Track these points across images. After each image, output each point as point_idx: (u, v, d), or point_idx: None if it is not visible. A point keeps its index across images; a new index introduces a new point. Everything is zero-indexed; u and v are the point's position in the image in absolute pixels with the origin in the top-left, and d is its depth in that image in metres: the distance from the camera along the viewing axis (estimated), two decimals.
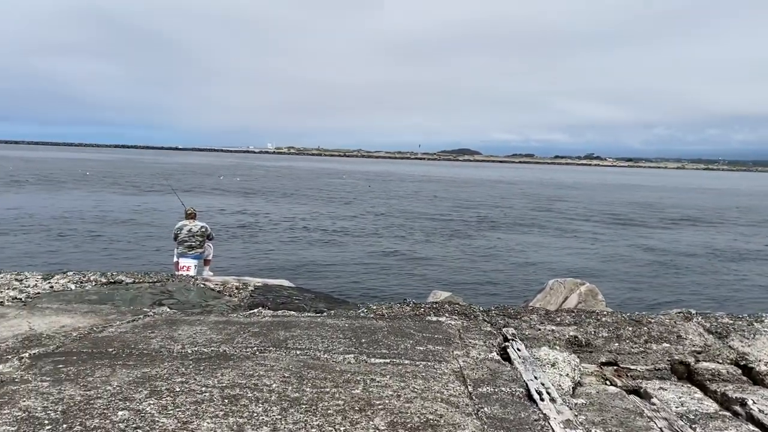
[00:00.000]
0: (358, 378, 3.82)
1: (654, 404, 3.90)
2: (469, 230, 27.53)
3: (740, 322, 5.65)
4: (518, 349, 4.60)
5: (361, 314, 5.51)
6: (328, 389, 3.60)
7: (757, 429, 3.58)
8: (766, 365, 4.71)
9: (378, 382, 3.77)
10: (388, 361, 4.20)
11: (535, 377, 4.02)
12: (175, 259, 10.76)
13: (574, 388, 4.18)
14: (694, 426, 3.60)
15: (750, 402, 3.90)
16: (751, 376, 4.65)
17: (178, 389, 3.49)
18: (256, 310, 5.58)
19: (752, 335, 5.28)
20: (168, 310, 5.61)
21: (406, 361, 4.21)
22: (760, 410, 3.76)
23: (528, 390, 3.81)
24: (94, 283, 6.71)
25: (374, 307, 5.74)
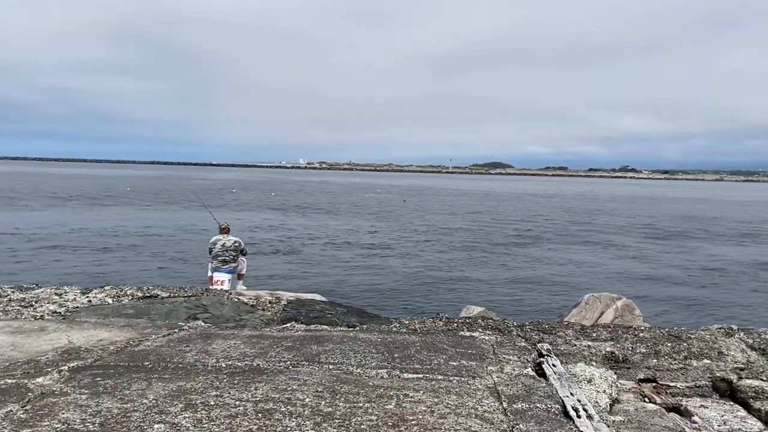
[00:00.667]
0: (391, 393, 3.80)
1: (695, 422, 3.79)
2: (504, 244, 27.33)
3: None
4: (553, 365, 4.52)
5: (394, 329, 5.50)
6: (361, 404, 3.59)
7: None
8: None
9: (411, 397, 3.75)
10: (421, 376, 4.17)
11: (571, 393, 3.94)
12: (210, 274, 10.90)
13: (611, 405, 4.10)
14: None
15: None
16: None
17: (212, 403, 3.51)
18: (289, 325, 5.61)
19: None
20: (203, 324, 5.68)
21: (440, 377, 4.17)
22: None
23: (564, 407, 3.74)
24: (130, 297, 6.83)
25: (407, 322, 5.73)
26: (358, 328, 5.53)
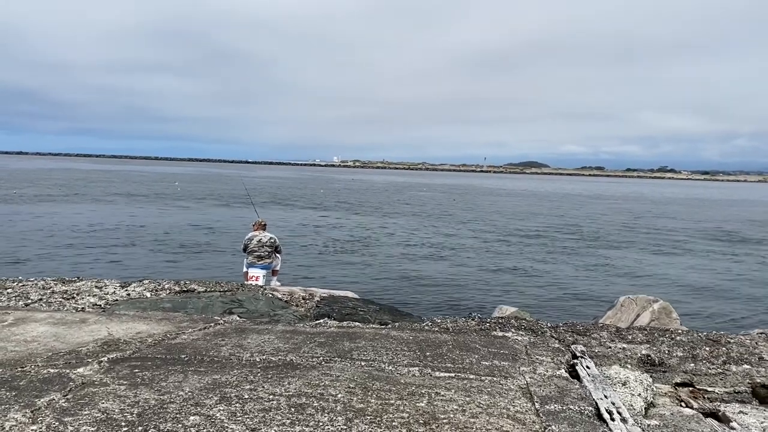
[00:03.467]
0: (423, 391, 3.81)
1: (733, 428, 3.70)
2: (544, 244, 27.06)
3: None
4: (587, 367, 4.47)
5: (426, 327, 5.50)
6: (392, 401, 3.61)
7: None
8: None
9: (443, 396, 3.75)
10: (452, 375, 4.17)
11: (605, 396, 3.89)
12: (245, 269, 11.05)
13: (646, 409, 4.03)
14: None
15: None
16: None
17: (246, 396, 3.57)
18: (322, 321, 5.66)
19: None
20: (238, 318, 5.77)
21: (471, 376, 4.16)
22: None
23: (598, 409, 3.69)
24: (167, 291, 6.98)
25: (439, 321, 5.72)
26: (390, 325, 5.55)
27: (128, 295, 6.76)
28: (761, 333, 5.91)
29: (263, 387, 3.75)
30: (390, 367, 4.26)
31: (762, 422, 4.03)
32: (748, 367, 4.81)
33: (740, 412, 4.21)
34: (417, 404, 3.58)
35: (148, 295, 6.79)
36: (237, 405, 3.43)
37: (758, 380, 4.65)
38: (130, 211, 35.73)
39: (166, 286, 7.16)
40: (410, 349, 4.72)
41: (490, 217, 41.38)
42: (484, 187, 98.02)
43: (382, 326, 5.52)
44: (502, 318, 6.18)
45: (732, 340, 5.29)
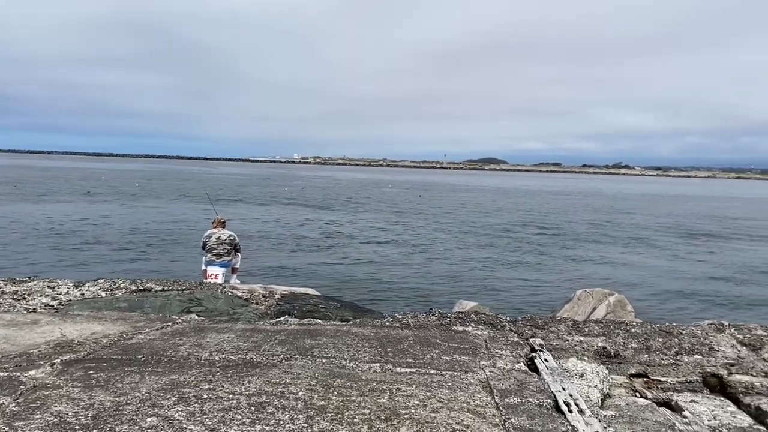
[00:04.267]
0: (384, 387, 3.81)
1: (685, 417, 3.82)
2: (504, 239, 27.39)
3: None
4: (546, 360, 4.55)
5: (387, 323, 5.51)
6: (354, 398, 3.60)
7: None
8: None
9: (404, 391, 3.76)
10: (414, 370, 4.19)
11: (563, 388, 3.97)
12: (204, 267, 10.88)
13: (603, 400, 4.12)
14: None
15: None
16: None
17: (205, 396, 3.52)
18: (282, 318, 5.62)
19: None
20: (196, 317, 5.68)
21: (432, 371, 4.19)
22: None
23: (556, 401, 3.76)
24: (124, 291, 6.82)
25: (400, 317, 5.74)
26: (351, 322, 5.54)
27: (82, 295, 6.58)
28: (711, 324, 6.10)
29: (223, 386, 3.70)
30: (351, 364, 4.25)
31: (712, 410, 4.16)
32: (699, 357, 4.97)
33: (692, 401, 4.35)
34: (378, 400, 3.59)
35: (104, 294, 6.63)
36: (196, 405, 3.37)
37: (708, 370, 4.80)
38: (88, 210, 34.84)
39: (122, 286, 7.00)
40: (371, 346, 4.72)
41: (455, 212, 41.72)
42: (447, 184, 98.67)
43: (344, 323, 5.51)
44: (462, 313, 6.23)
45: (684, 332, 5.45)
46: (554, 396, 3.83)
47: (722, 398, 4.48)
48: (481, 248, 24.19)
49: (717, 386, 4.70)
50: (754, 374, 4.74)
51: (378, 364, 4.28)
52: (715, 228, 36.61)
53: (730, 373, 4.75)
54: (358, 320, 5.58)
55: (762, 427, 3.86)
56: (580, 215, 43.55)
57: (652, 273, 19.97)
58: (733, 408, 4.26)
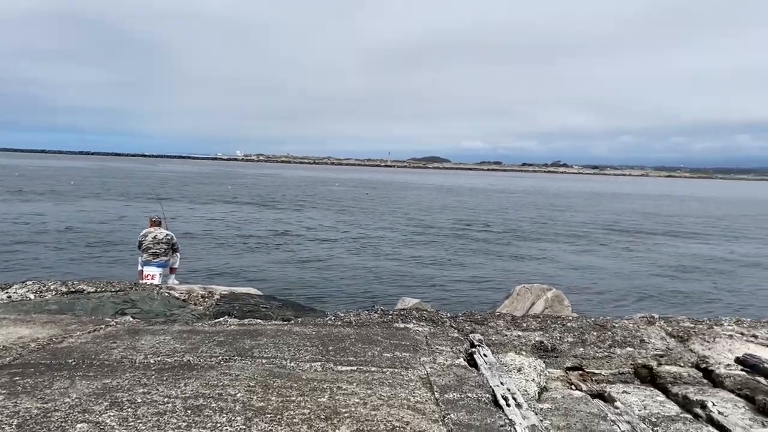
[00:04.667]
0: (325, 386, 3.79)
1: (617, 408, 3.95)
2: (448, 236, 27.68)
3: (701, 326, 5.77)
4: (485, 355, 4.62)
5: (329, 322, 5.48)
6: (293, 398, 3.57)
7: (715, 430, 3.64)
8: (725, 368, 4.82)
9: (344, 390, 3.75)
10: (355, 368, 4.18)
11: (502, 383, 4.04)
12: (140, 268, 10.56)
13: (540, 393, 4.22)
14: (656, 429, 3.65)
15: (710, 404, 3.98)
16: (711, 378, 4.74)
17: (139, 400, 3.41)
18: (221, 319, 5.51)
19: (712, 339, 5.40)
20: (131, 319, 5.51)
21: (373, 369, 4.19)
22: (719, 412, 3.84)
23: (494, 396, 3.82)
24: (54, 293, 6.55)
25: (342, 315, 5.72)
26: (293, 321, 5.49)
27: (9, 297, 6.29)
28: (643, 317, 6.33)
29: (158, 390, 3.60)
30: (292, 364, 4.21)
31: (642, 400, 4.32)
32: (631, 349, 5.14)
33: (624, 392, 4.50)
34: (319, 399, 3.56)
35: (32, 297, 6.35)
36: (129, 410, 3.27)
37: (640, 361, 4.98)
38: (18, 209, 33.31)
39: (52, 287, 6.72)
40: (313, 345, 4.69)
41: (402, 210, 41.90)
42: (393, 182, 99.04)
43: (285, 322, 5.45)
44: (404, 310, 6.27)
45: (617, 325, 5.64)
46: (493, 391, 3.89)
47: (652, 388, 4.65)
48: (427, 246, 24.41)
49: (647, 377, 4.88)
50: (682, 365, 4.94)
51: (319, 363, 4.25)
52: (649, 225, 38.05)
53: (660, 364, 4.95)
54: (299, 319, 5.54)
55: (689, 415, 4.02)
56: (522, 213, 44.51)
57: (590, 268, 20.59)
58: (662, 398, 4.43)
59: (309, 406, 3.46)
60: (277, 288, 13.93)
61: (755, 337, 5.52)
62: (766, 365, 4.71)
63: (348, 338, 4.91)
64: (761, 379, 4.59)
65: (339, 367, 4.18)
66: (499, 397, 3.79)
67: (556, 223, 37.13)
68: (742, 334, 5.56)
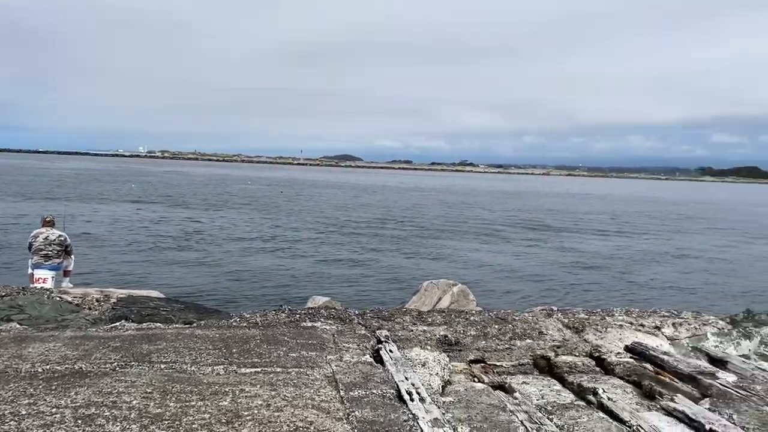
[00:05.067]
0: (227, 389, 3.70)
1: (516, 398, 4.09)
2: (362, 234, 27.73)
3: (594, 317, 6.08)
4: (390, 351, 4.66)
5: (234, 323, 5.36)
6: (193, 403, 3.46)
7: (605, 415, 3.85)
8: (616, 356, 5.10)
9: (247, 392, 3.68)
10: (259, 370, 4.11)
11: (406, 378, 4.09)
12: (30, 271, 9.90)
13: (443, 387, 4.30)
14: (551, 417, 3.81)
15: (600, 391, 4.20)
16: (604, 366, 5.00)
17: (24, 412, 3.20)
18: (118, 324, 5.26)
19: (604, 329, 5.70)
20: (18, 326, 5.15)
21: (278, 369, 4.13)
22: (608, 398, 4.05)
23: (399, 391, 3.87)
24: None
25: (248, 316, 5.61)
26: (195, 324, 5.32)
27: None
28: (543, 309, 6.60)
29: (45, 400, 3.39)
30: (193, 368, 4.08)
31: (540, 390, 4.50)
32: (530, 341, 5.35)
33: (523, 382, 4.67)
34: (220, 403, 3.47)
35: None
36: (12, 423, 3.06)
37: (538, 352, 5.18)
38: None
39: None
40: (216, 347, 4.56)
41: (317, 209, 41.56)
42: (307, 180, 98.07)
43: (186, 325, 5.28)
44: (312, 308, 6.23)
45: (517, 318, 5.84)
46: (397, 386, 3.94)
47: (550, 378, 4.85)
48: (341, 244, 24.37)
49: (545, 367, 5.09)
50: (577, 354, 5.19)
51: (222, 366, 4.14)
52: (552, 221, 39.73)
53: (557, 355, 5.17)
54: (203, 322, 5.37)
55: (582, 402, 4.22)
56: (433, 210, 45.31)
57: (497, 263, 21.25)
58: (558, 386, 4.63)
59: (210, 410, 3.37)
60: (182, 290, 13.46)
61: (642, 326, 5.88)
62: (651, 352, 5.03)
63: (253, 339, 4.82)
64: (648, 366, 4.90)
65: (243, 370, 4.10)
66: (403, 392, 3.83)
67: (466, 220, 38.06)
68: (631, 323, 5.91)
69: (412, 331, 5.38)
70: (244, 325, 5.33)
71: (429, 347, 5.00)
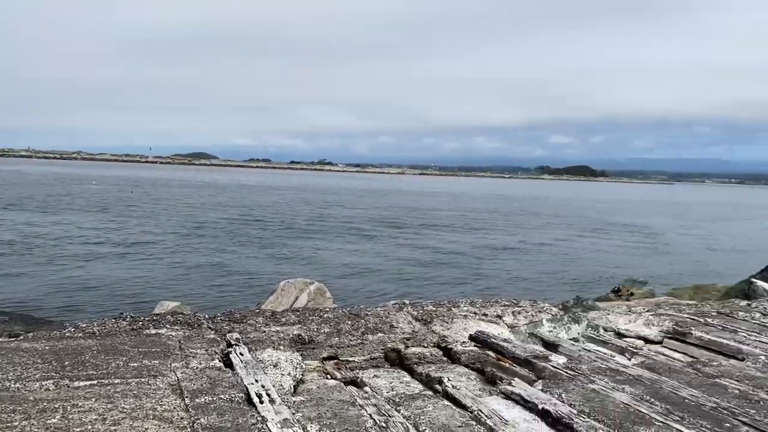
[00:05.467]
0: (57, 405, 3.41)
1: (366, 392, 4.16)
2: (218, 234, 26.80)
3: (442, 309, 6.35)
4: (241, 354, 4.55)
5: (67, 334, 4.94)
6: (16, 423, 3.15)
7: (450, 403, 4.02)
8: (461, 345, 5.35)
9: (81, 407, 3.41)
10: (95, 382, 3.83)
11: (256, 380, 4.01)
12: None
13: (296, 386, 4.27)
14: (399, 408, 3.91)
15: (446, 380, 4.39)
16: (450, 356, 5.23)
17: None
18: None
19: (451, 320, 5.97)
20: None
21: (117, 381, 3.88)
22: (453, 386, 4.24)
23: (248, 394, 3.78)
24: None
25: (84, 325, 5.20)
26: (22, 336, 4.84)
27: None
28: (396, 303, 6.77)
29: None
30: (17, 384, 3.72)
31: (391, 382, 4.61)
32: (381, 335, 5.46)
33: (374, 376, 4.76)
34: (48, 421, 3.20)
35: None
36: None
37: (389, 346, 5.31)
38: None
39: None
40: (45, 361, 4.19)
41: (172, 209, 39.51)
42: (158, 179, 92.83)
43: (12, 339, 4.79)
44: (158, 315, 5.92)
45: (370, 313, 5.95)
46: (247, 389, 3.85)
47: (400, 370, 4.99)
48: (197, 245, 23.42)
49: (397, 360, 5.22)
50: (426, 345, 5.38)
51: (51, 381, 3.81)
52: (410, 218, 41.01)
53: (407, 347, 5.32)
54: (30, 334, 4.91)
55: (430, 392, 4.38)
56: (294, 209, 44.98)
57: (355, 260, 21.55)
58: (408, 378, 4.77)
59: (35, 430, 3.09)
60: (9, 301, 12.25)
61: (486, 315, 6.23)
62: (493, 340, 5.34)
63: (89, 350, 4.48)
64: (490, 353, 5.19)
65: (76, 383, 3.80)
66: (253, 395, 3.75)
67: (327, 218, 38.22)
68: (475, 313, 6.24)
69: (264, 332, 5.29)
70: (80, 335, 4.94)
71: (282, 347, 4.95)
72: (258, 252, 22.71)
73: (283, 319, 5.70)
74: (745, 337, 5.97)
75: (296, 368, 4.52)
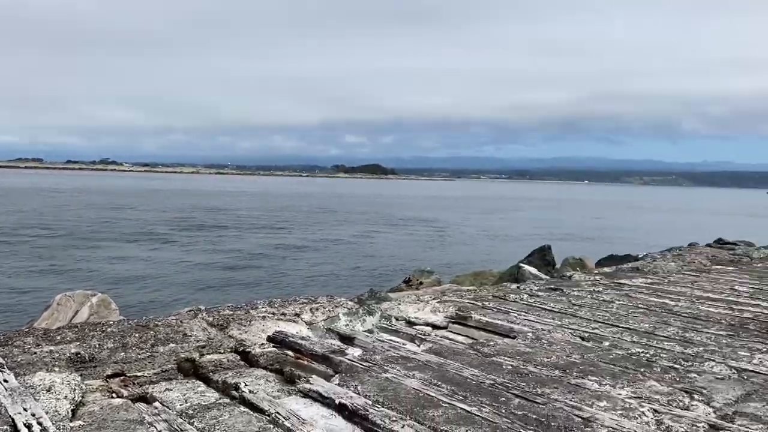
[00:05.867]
0: None
1: (156, 408, 3.91)
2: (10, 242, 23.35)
3: (239, 312, 6.20)
4: (5, 381, 4.02)
5: None
6: None
7: (247, 409, 3.94)
8: (260, 347, 5.27)
9: None
10: None
11: (25, 409, 3.57)
12: None
13: (74, 410, 3.88)
14: (192, 420, 3.74)
15: (242, 385, 4.29)
16: (248, 359, 5.12)
17: None
18: None
19: (248, 322, 5.85)
20: None
21: None
22: (249, 391, 4.17)
23: (15, 426, 3.35)
24: None
25: None
26: None
27: None
28: (190, 311, 6.46)
29: None
30: None
31: (184, 394, 4.38)
32: (173, 345, 5.18)
33: (166, 389, 4.49)
34: None
35: None
36: None
37: (183, 356, 5.05)
38: None
39: None
40: None
41: None
42: None
43: None
44: None
45: (160, 323, 5.61)
46: (13, 420, 3.41)
47: (195, 380, 4.77)
48: None
49: (191, 369, 4.98)
50: (222, 351, 5.22)
51: None
52: (210, 220, 39.46)
53: (202, 355, 5.11)
54: None
55: (227, 399, 4.25)
56: (77, 214, 40.88)
57: (147, 267, 20.23)
58: (203, 387, 4.57)
59: None
60: None
61: (284, 315, 6.21)
62: (291, 339, 5.34)
63: None
64: (289, 352, 5.18)
65: None
66: (20, 425, 3.34)
67: (115, 222, 35.35)
68: (274, 314, 6.19)
69: (36, 353, 4.73)
70: None
71: (57, 368, 4.46)
72: (32, 264, 20.30)
73: (59, 337, 5.14)
74: (516, 317, 6.67)
75: (74, 390, 4.10)
